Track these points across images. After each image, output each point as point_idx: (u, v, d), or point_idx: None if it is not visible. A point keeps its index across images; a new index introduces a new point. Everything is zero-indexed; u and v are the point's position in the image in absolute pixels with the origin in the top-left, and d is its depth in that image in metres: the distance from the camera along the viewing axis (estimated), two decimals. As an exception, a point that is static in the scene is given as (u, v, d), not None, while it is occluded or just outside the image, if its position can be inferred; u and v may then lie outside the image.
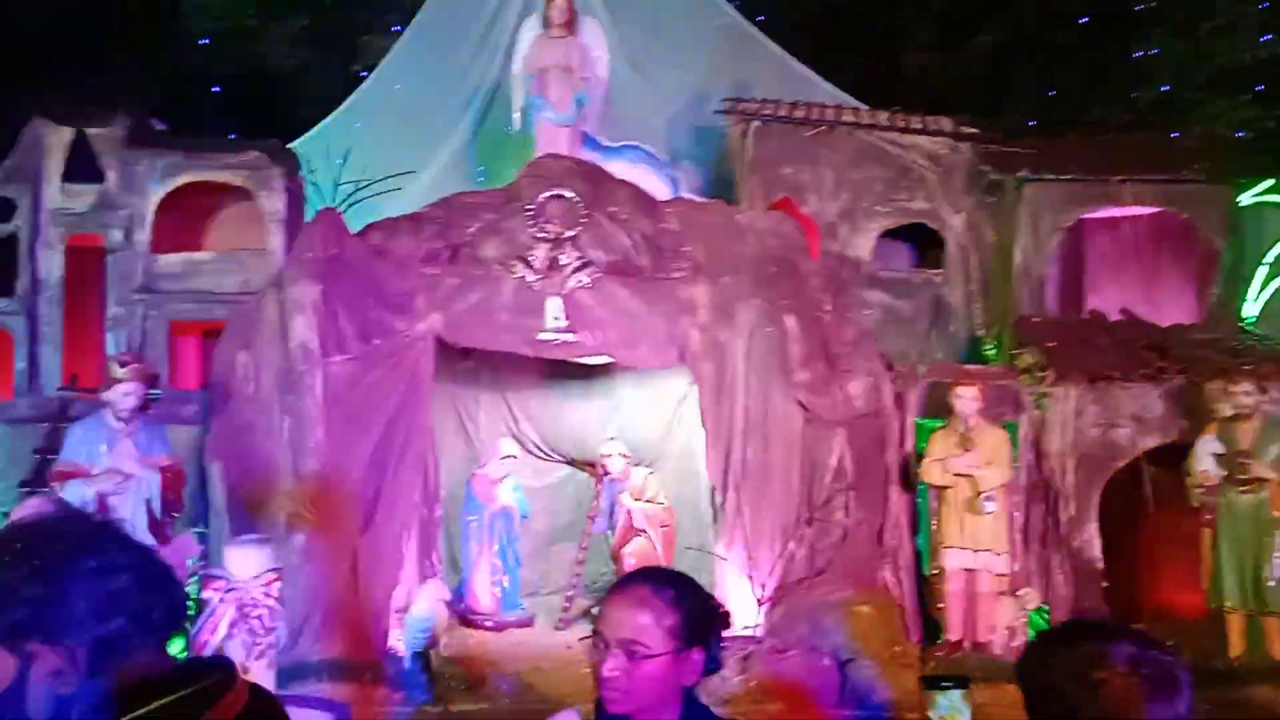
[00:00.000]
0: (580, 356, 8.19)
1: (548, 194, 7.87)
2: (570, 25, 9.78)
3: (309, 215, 9.18)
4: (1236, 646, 7.24)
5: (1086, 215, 9.50)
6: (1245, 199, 9.55)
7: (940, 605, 7.52)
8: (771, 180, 9.77)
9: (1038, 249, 9.30)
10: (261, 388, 7.30)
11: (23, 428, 7.96)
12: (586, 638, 2.10)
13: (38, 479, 7.40)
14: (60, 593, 1.44)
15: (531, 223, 7.80)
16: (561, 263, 7.71)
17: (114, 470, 6.55)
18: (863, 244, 9.75)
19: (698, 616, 2.05)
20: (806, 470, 7.67)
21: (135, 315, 8.61)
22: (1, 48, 14.31)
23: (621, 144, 10.72)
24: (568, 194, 7.88)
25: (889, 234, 9.98)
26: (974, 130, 9.98)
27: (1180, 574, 8.05)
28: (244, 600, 5.38)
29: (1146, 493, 7.98)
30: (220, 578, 5.53)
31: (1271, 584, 7.18)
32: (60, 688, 1.45)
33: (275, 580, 5.60)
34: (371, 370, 7.40)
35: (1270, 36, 12.99)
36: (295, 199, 9.33)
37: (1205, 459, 7.47)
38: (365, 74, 12.84)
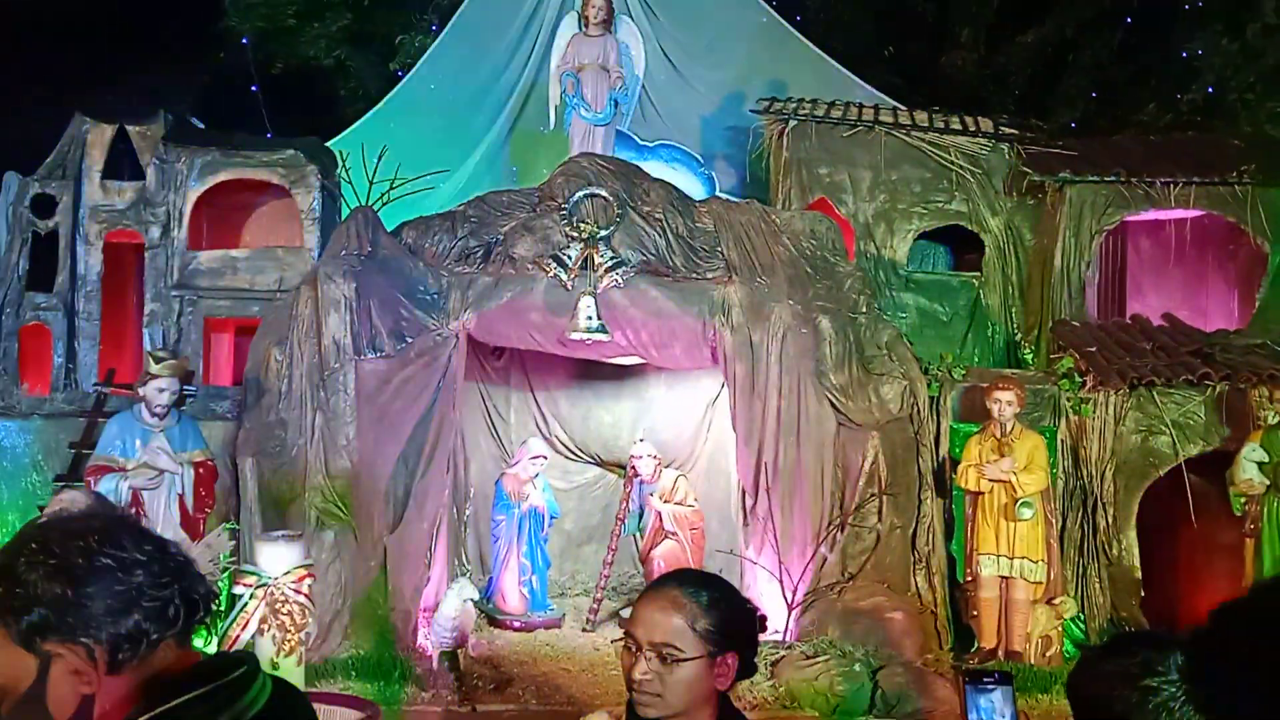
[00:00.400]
0: (612, 356, 8.16)
1: (582, 193, 7.85)
2: (607, 24, 9.75)
3: (344, 213, 9.23)
4: None
5: (1129, 218, 9.34)
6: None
7: (974, 613, 7.41)
8: (807, 180, 9.69)
9: (1078, 252, 9.14)
10: (294, 385, 7.33)
11: (60, 422, 8.05)
12: (618, 640, 2.07)
13: (73, 473, 7.49)
14: (78, 591, 1.43)
15: (565, 222, 7.78)
16: (595, 262, 7.68)
17: (148, 465, 6.60)
18: (899, 245, 9.65)
19: (732, 620, 2.01)
20: (839, 474, 7.59)
21: (171, 311, 8.70)
22: (45, 46, 14.56)
23: (657, 143, 10.70)
24: (602, 193, 7.85)
25: (926, 236, 9.87)
26: (1014, 131, 9.84)
27: (1221, 584, 7.86)
28: (275, 596, 5.39)
29: (1188, 501, 7.80)
30: (252, 573, 5.54)
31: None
32: (81, 686, 1.44)
33: (306, 577, 5.60)
34: (403, 368, 7.41)
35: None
36: (331, 197, 9.39)
37: (1249, 467, 7.30)
38: (402, 73, 12.91)
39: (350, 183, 10.38)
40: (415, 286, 7.63)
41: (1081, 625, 7.72)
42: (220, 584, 6.01)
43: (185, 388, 7.09)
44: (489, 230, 7.94)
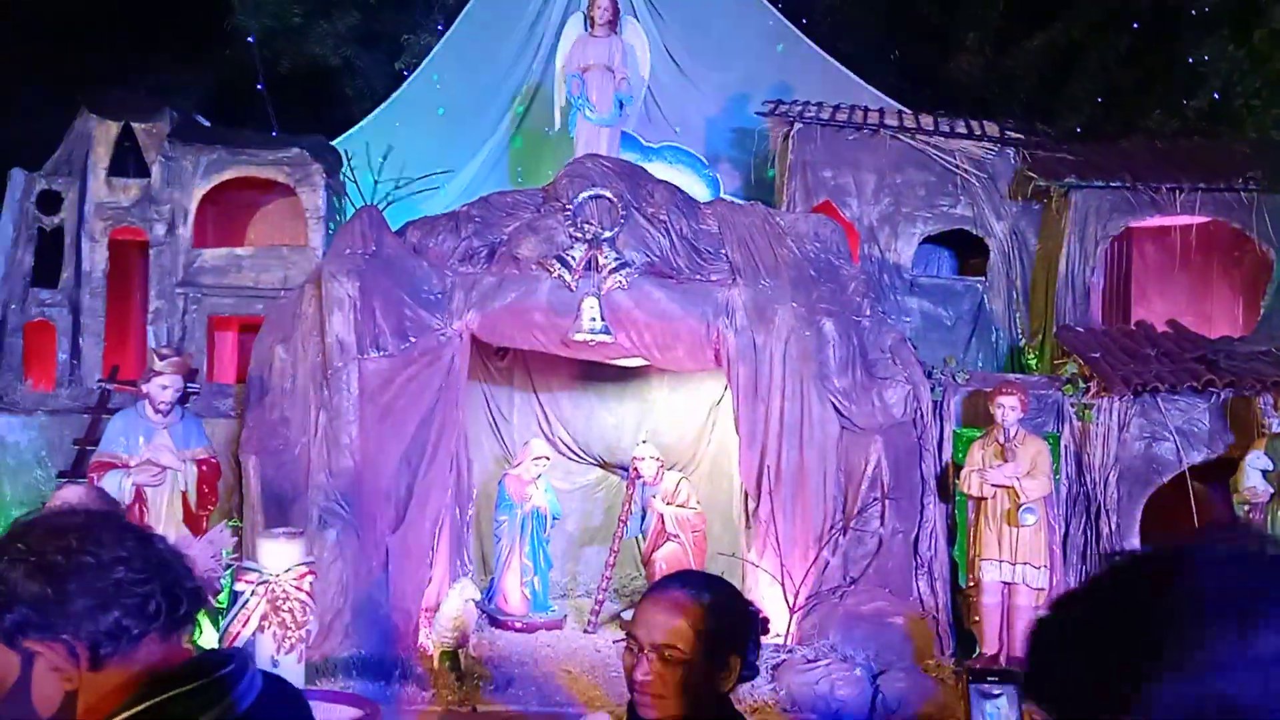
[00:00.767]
0: (615, 358, 8.16)
1: (586, 194, 7.85)
2: (613, 25, 9.75)
3: (349, 212, 9.24)
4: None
5: (1134, 223, 9.32)
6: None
7: (976, 618, 7.39)
8: (812, 183, 9.69)
9: (1083, 257, 9.12)
10: (298, 383, 7.34)
11: (64, 418, 8.07)
12: (620, 641, 2.06)
13: (77, 469, 7.50)
14: (57, 589, 1.44)
15: (569, 222, 7.78)
16: (599, 263, 7.68)
17: (151, 462, 6.60)
18: (903, 249, 9.64)
19: (734, 622, 2.01)
20: (841, 478, 7.58)
21: (176, 309, 8.71)
22: (51, 42, 14.58)
23: (662, 144, 10.70)
24: (606, 194, 7.85)
25: (930, 240, 9.86)
26: (1020, 135, 9.82)
27: (1225, 593, 7.85)
28: (276, 593, 5.39)
29: (1191, 508, 7.78)
30: (253, 570, 5.54)
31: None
32: (63, 683, 1.44)
33: (308, 574, 5.60)
34: (407, 367, 7.41)
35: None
36: (336, 196, 9.40)
37: (1253, 475, 7.28)
38: (408, 72, 12.92)
39: (355, 182, 10.44)
40: (419, 286, 7.63)
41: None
42: (222, 581, 6.01)
43: (189, 385, 7.09)
44: (493, 230, 7.94)
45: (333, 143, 10.08)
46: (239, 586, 5.55)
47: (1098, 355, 8.25)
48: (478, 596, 8.35)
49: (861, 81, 11.63)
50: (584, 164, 8.18)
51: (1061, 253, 9.12)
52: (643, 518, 8.45)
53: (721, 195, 10.07)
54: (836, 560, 7.49)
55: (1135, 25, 13.92)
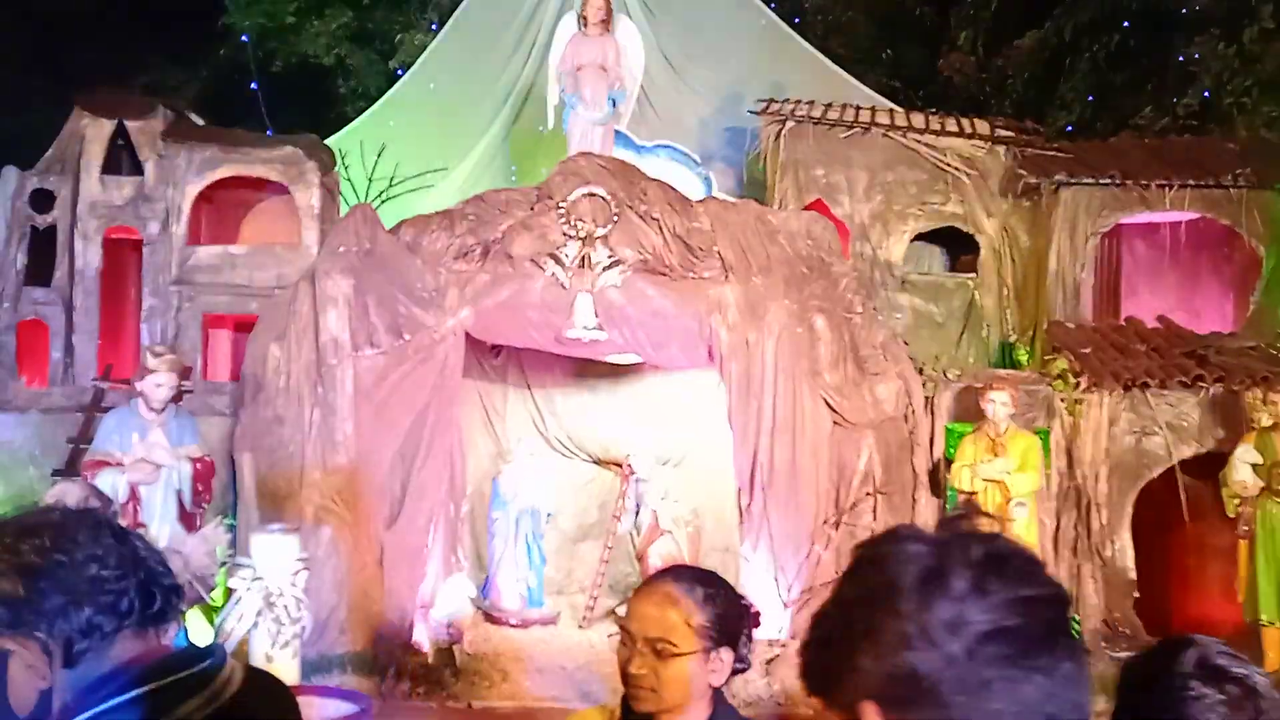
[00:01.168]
0: (608, 355, 8.19)
1: (580, 192, 7.87)
2: (606, 24, 9.77)
3: (343, 210, 9.25)
4: (1273, 661, 7.08)
5: (1124, 220, 9.38)
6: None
7: (968, 612, 7.43)
8: (804, 181, 9.73)
9: (1073, 254, 9.18)
10: (292, 381, 7.36)
11: (57, 416, 8.07)
12: (615, 635, 2.08)
13: (71, 468, 7.51)
14: (31, 587, 1.46)
15: (563, 220, 7.81)
16: (592, 261, 7.71)
17: (145, 460, 6.62)
18: (895, 247, 9.68)
19: (727, 615, 2.02)
20: (834, 473, 7.63)
21: (170, 307, 8.71)
22: (44, 40, 14.57)
23: (655, 143, 10.72)
24: (600, 192, 7.88)
25: (921, 237, 9.90)
26: (1011, 133, 9.87)
27: (1215, 586, 7.91)
28: (269, 590, 5.41)
29: (1181, 503, 7.84)
30: (247, 567, 5.57)
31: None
32: (37, 681, 1.47)
33: (302, 571, 5.63)
34: (401, 365, 7.44)
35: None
36: (330, 194, 9.41)
37: (1242, 469, 7.34)
38: (402, 71, 12.95)
39: (349, 180, 10.46)
40: (413, 283, 7.66)
41: (1076, 626, 7.76)
42: (217, 577, 6.03)
43: (183, 383, 7.11)
44: (487, 228, 7.96)
45: (327, 141, 10.09)
46: (233, 583, 5.57)
47: (1088, 351, 8.31)
48: (473, 593, 8.39)
49: (854, 80, 11.68)
50: (577, 162, 8.21)
51: (1052, 249, 9.18)
52: (636, 514, 8.48)
53: (714, 193, 10.10)
54: (829, 555, 7.53)
55: (1126, 24, 13.99)
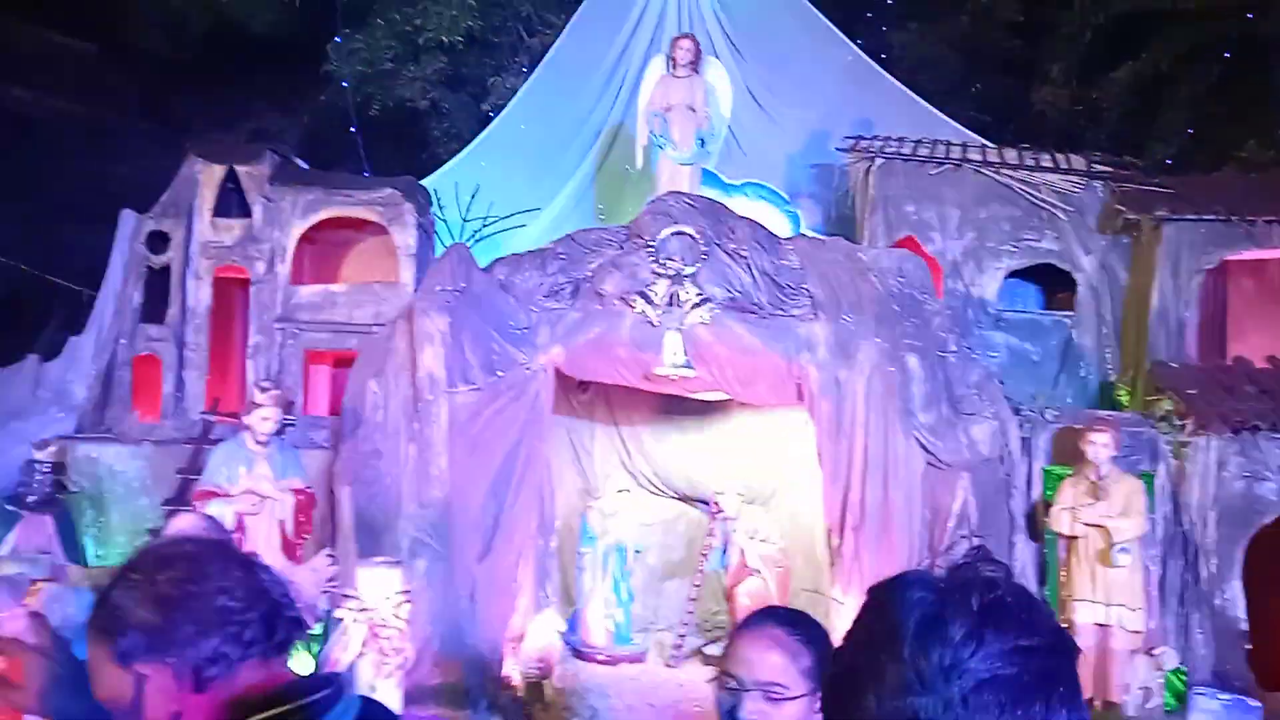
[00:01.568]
0: (697, 392, 8.21)
1: (669, 230, 7.95)
2: (695, 65, 9.90)
3: (438, 249, 9.50)
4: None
5: (1230, 256, 9.08)
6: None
7: (1068, 661, 7.20)
8: (894, 218, 9.66)
9: (1177, 291, 8.91)
10: (390, 415, 7.54)
11: (168, 448, 8.41)
12: (714, 679, 2.08)
13: (180, 498, 7.80)
14: (165, 616, 1.55)
15: (652, 259, 7.88)
16: (681, 299, 7.76)
17: (251, 491, 6.85)
18: (988, 284, 9.53)
19: (825, 658, 2.00)
20: (927, 515, 7.49)
21: (274, 343, 9.02)
22: (157, 90, 15.34)
23: (743, 181, 10.78)
24: (688, 230, 7.94)
25: (1015, 274, 9.73)
26: (1108, 168, 9.67)
27: (1332, 639, 7.54)
28: (375, 621, 5.53)
29: (1296, 551, 7.51)
30: (353, 598, 5.70)
31: None
32: (170, 704, 1.55)
33: (405, 603, 5.74)
34: (494, 401, 7.57)
35: None
36: (426, 234, 9.67)
37: (1361, 517, 7.00)
38: (494, 113, 13.27)
39: (444, 220, 10.74)
40: (506, 321, 7.80)
41: (1183, 678, 7.45)
42: (322, 609, 6.18)
43: (286, 417, 7.35)
44: (578, 267, 8.09)
45: (423, 182, 10.38)
46: (339, 613, 5.70)
47: (1194, 392, 8.05)
48: (562, 628, 8.44)
49: (943, 116, 11.59)
50: (666, 201, 8.30)
51: (1154, 287, 8.92)
52: (724, 552, 8.44)
53: (802, 231, 10.10)
54: (923, 598, 7.37)
55: (1226, 54, 13.61)
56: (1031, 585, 7.50)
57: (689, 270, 7.84)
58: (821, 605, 7.71)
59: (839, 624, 7.22)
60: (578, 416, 9.30)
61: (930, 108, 11.71)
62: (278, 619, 1.63)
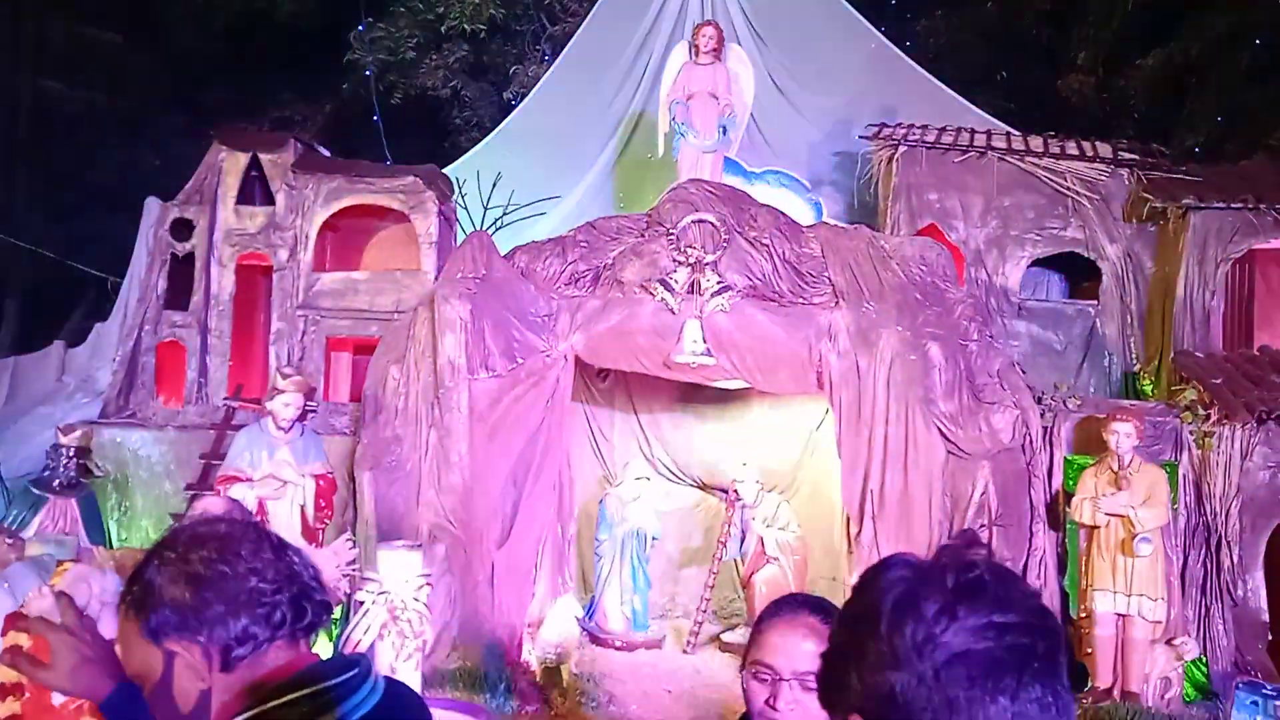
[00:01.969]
0: (716, 380, 8.21)
1: (690, 218, 7.95)
2: (717, 53, 9.86)
3: (460, 237, 9.53)
4: None
5: (1258, 245, 8.96)
6: None
7: (1089, 650, 7.17)
8: (917, 206, 9.60)
9: (1203, 280, 8.81)
10: (410, 402, 7.59)
11: (191, 434, 8.50)
12: (745, 668, 1.99)
13: (203, 483, 7.89)
14: (196, 595, 1.58)
15: (673, 246, 7.88)
16: (701, 286, 7.76)
17: (273, 476, 6.91)
18: (1012, 272, 9.46)
19: None
20: (947, 504, 7.46)
21: (296, 330, 9.08)
22: (183, 80, 15.46)
23: (765, 169, 10.74)
24: (709, 218, 7.94)
25: (1038, 263, 9.65)
26: (1134, 156, 9.56)
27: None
28: (395, 604, 5.58)
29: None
30: (374, 580, 5.75)
31: None
32: (198, 682, 1.57)
33: (425, 586, 5.79)
34: (514, 388, 7.60)
35: None
36: (448, 222, 9.70)
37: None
38: (515, 102, 13.29)
39: (465, 208, 10.78)
40: (527, 309, 7.83)
41: (1204, 668, 7.40)
42: (344, 591, 6.23)
43: (308, 403, 7.40)
44: (598, 255, 8.10)
45: (444, 170, 10.41)
46: (359, 596, 5.76)
47: (1219, 381, 7.96)
48: (580, 614, 8.48)
49: (967, 103, 11.49)
50: (687, 189, 8.29)
51: (1179, 276, 8.82)
52: (742, 540, 8.45)
53: (824, 219, 10.06)
54: (941, 587, 7.34)
55: (1258, 41, 13.41)
56: (1052, 574, 7.47)
57: (710, 258, 7.83)
58: (839, 593, 7.69)
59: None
60: (597, 404, 9.33)
61: (955, 95, 11.62)
62: (307, 601, 1.64)
